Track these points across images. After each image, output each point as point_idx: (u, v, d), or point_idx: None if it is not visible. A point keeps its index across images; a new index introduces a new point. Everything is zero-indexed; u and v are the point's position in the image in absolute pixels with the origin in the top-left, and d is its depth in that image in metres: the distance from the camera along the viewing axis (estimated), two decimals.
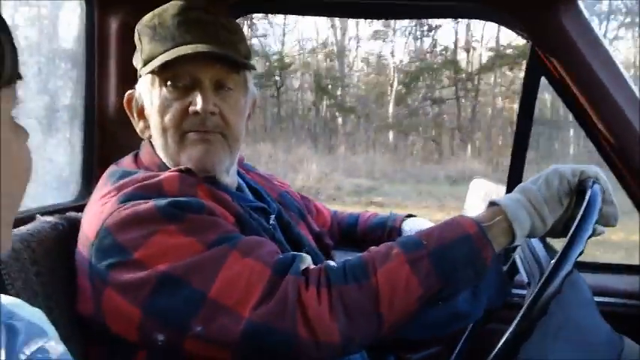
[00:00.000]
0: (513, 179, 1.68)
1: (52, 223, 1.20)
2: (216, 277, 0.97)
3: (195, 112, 1.13)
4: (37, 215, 1.22)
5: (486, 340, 1.06)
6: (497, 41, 20.19)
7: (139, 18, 1.24)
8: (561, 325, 1.04)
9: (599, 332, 1.10)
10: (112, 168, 1.20)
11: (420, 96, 20.75)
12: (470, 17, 1.85)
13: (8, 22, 0.54)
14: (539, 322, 0.94)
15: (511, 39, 18.88)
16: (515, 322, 0.93)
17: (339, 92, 21.95)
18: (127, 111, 1.26)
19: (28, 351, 0.60)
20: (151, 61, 1.16)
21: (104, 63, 1.62)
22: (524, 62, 1.61)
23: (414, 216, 1.62)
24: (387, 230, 1.58)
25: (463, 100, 20.78)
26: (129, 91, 1.26)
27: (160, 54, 1.15)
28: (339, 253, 1.57)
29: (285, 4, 1.81)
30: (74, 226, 1.18)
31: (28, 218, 1.21)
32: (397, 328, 0.99)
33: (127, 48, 1.28)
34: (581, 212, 1.01)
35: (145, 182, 1.08)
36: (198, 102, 1.13)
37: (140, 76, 1.22)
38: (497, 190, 1.76)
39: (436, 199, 13.44)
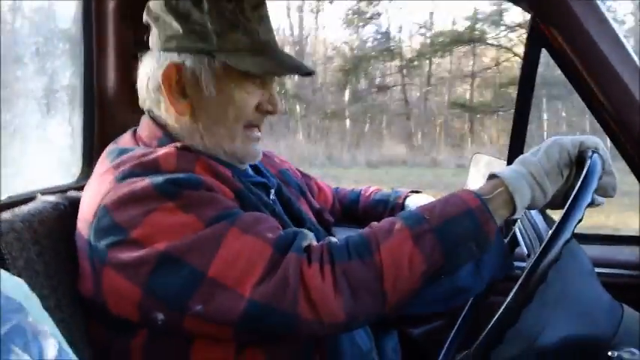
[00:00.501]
0: (514, 152, 1.67)
1: (54, 202, 1.20)
2: (216, 255, 0.96)
3: (271, 112, 1.22)
4: (38, 195, 1.22)
5: (488, 313, 1.06)
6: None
7: None
8: (560, 295, 1.04)
9: (599, 301, 1.10)
10: (110, 146, 1.20)
11: (366, 83, 20.64)
12: None
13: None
14: (538, 292, 0.94)
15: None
16: (514, 290, 0.93)
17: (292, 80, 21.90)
18: (164, 84, 1.16)
19: (2, 330, 0.55)
20: (233, 50, 1.15)
21: (102, 42, 1.61)
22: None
23: (419, 192, 1.62)
24: (389, 207, 1.58)
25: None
26: (170, 62, 1.16)
27: (248, 50, 1.16)
28: (340, 230, 1.58)
29: None
30: (75, 205, 1.17)
31: (28, 198, 1.22)
32: (401, 304, 0.99)
33: (125, 27, 1.28)
34: (579, 181, 1.00)
35: (142, 159, 1.07)
36: (276, 103, 1.22)
37: (194, 52, 1.16)
38: (498, 164, 1.76)
39: (353, 181, 13.60)
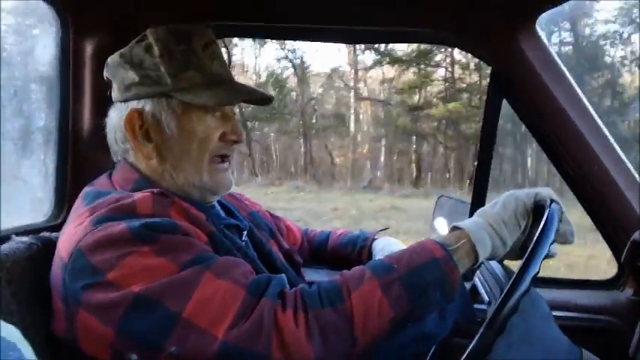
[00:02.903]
0: (477, 199, 1.73)
1: (27, 243, 1.21)
2: (190, 297, 0.97)
3: (236, 141, 1.27)
4: (13, 235, 1.23)
5: (452, 354, 1.09)
6: None
7: (114, 42, 1.27)
8: (523, 336, 1.08)
9: (558, 343, 1.15)
10: (86, 189, 1.22)
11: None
12: (434, 43, 1.92)
13: None
14: (502, 333, 0.98)
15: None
16: (476, 338, 0.97)
17: None
18: (128, 131, 1.22)
19: None
20: (188, 89, 1.20)
21: (79, 86, 1.63)
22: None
23: (386, 228, 1.66)
24: (357, 249, 1.62)
25: None
26: (134, 109, 1.22)
27: (203, 85, 1.21)
28: (309, 271, 1.61)
29: (259, 29, 1.86)
30: (48, 245, 1.19)
31: (3, 238, 1.22)
32: (369, 350, 1.01)
33: (102, 71, 1.30)
34: (540, 228, 1.06)
35: (118, 203, 1.09)
36: (240, 132, 1.27)
37: (153, 97, 1.21)
38: (461, 208, 1.81)
39: None
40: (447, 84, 22.37)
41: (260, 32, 2.00)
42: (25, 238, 1.22)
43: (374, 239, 1.62)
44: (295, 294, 1.03)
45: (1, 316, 1.01)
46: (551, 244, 1.04)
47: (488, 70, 1.70)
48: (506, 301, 0.98)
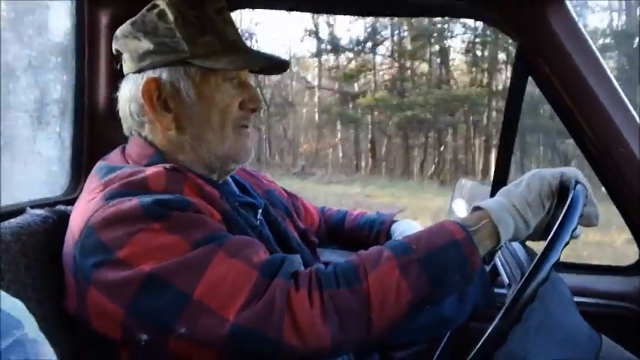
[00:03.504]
0: (499, 180, 1.70)
1: (42, 216, 1.20)
2: (202, 277, 0.96)
3: (255, 109, 1.24)
4: (28, 208, 1.23)
5: (468, 338, 1.08)
6: None
7: (129, 12, 1.24)
8: (543, 322, 1.06)
9: (579, 329, 1.13)
10: (99, 163, 1.20)
11: None
12: (458, 16, 1.87)
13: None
14: (522, 318, 0.96)
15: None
16: (494, 323, 0.95)
17: None
18: (145, 101, 1.18)
19: (4, 343, 0.59)
20: (207, 55, 1.17)
21: (94, 57, 1.62)
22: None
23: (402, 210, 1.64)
24: (374, 231, 1.59)
25: None
26: (148, 79, 1.18)
27: (221, 52, 1.18)
28: (325, 251, 1.59)
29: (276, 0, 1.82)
30: (63, 219, 1.18)
31: (18, 211, 1.22)
32: (386, 333, 0.99)
33: None
34: (563, 212, 1.03)
35: (131, 179, 1.07)
36: (259, 99, 1.25)
37: (170, 65, 1.18)
38: (482, 189, 1.78)
39: None
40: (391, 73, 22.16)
41: (275, 3, 1.96)
42: (40, 211, 1.22)
43: (392, 222, 1.60)
44: (310, 274, 1.01)
45: (14, 289, 1.02)
46: (575, 229, 1.01)
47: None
48: (524, 289, 0.95)
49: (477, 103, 20.32)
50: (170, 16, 1.17)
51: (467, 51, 21.58)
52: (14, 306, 0.65)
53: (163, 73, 1.18)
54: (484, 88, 20.57)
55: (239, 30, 1.27)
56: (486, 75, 21.16)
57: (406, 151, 22.03)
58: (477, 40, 21.16)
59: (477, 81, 21.04)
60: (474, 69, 21.33)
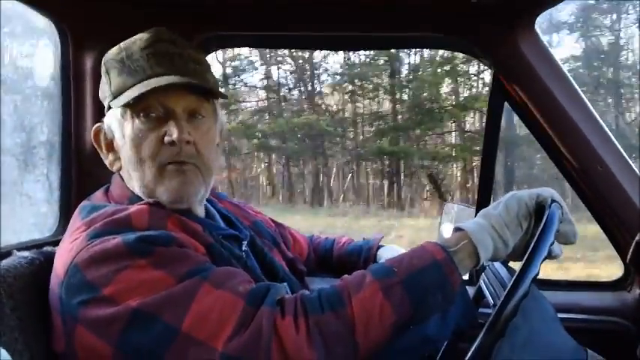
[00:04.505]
0: (482, 202, 1.73)
1: (29, 258, 1.21)
2: (188, 310, 0.97)
3: (172, 142, 1.15)
4: (14, 251, 1.23)
5: (456, 358, 1.09)
6: None
7: None
8: (528, 339, 1.08)
9: (564, 345, 1.14)
10: (83, 203, 1.22)
11: None
12: (434, 47, 1.93)
13: None
14: (507, 335, 0.98)
15: None
16: (479, 338, 0.97)
17: None
18: (95, 144, 1.28)
19: None
20: (121, 93, 1.18)
21: (80, 99, 1.64)
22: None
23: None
24: (362, 257, 1.61)
25: None
26: (96, 125, 1.28)
27: (132, 86, 1.16)
28: (314, 280, 1.60)
29: (257, 38, 1.86)
30: (51, 260, 1.18)
31: (4, 253, 1.22)
32: (372, 354, 1.01)
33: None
34: (540, 228, 1.06)
35: (114, 217, 1.09)
36: (174, 132, 1.15)
37: (109, 109, 1.23)
38: (467, 212, 1.81)
39: None
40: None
41: (259, 41, 2.00)
42: (26, 253, 1.23)
43: (379, 247, 1.62)
44: (295, 300, 1.02)
45: (1, 331, 1.02)
46: (552, 244, 1.04)
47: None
48: (506, 304, 0.97)
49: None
50: (104, 69, 1.24)
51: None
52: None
53: (105, 119, 1.25)
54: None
55: (171, 58, 1.20)
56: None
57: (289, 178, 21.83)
58: None
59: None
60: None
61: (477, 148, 18.02)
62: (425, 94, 18.82)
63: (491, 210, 1.16)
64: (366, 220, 15.27)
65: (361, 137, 20.62)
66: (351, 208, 17.99)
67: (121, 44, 1.23)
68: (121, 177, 1.25)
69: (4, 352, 0.68)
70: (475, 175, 18.61)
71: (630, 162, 1.58)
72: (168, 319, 0.96)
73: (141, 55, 1.19)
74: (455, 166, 19.79)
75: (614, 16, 17.09)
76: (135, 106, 1.17)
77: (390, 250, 1.58)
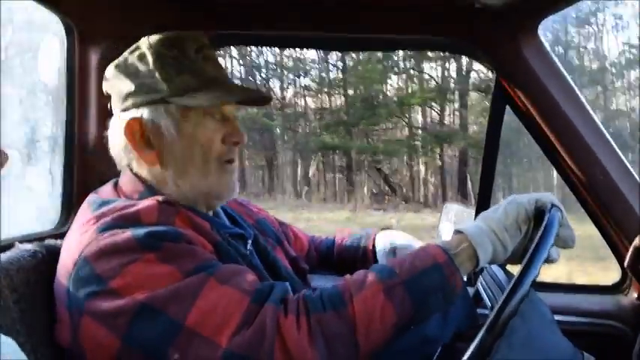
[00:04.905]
0: (481, 205, 1.74)
1: (32, 251, 1.22)
2: (194, 305, 0.98)
3: (237, 143, 1.25)
4: (16, 243, 1.24)
5: (454, 358, 1.10)
6: None
7: (119, 51, 1.28)
8: (525, 341, 1.09)
9: (561, 347, 1.15)
10: (91, 196, 1.22)
11: None
12: (436, 50, 1.93)
13: None
14: (505, 337, 0.99)
15: None
16: (475, 341, 0.97)
17: None
18: (129, 140, 1.22)
19: None
20: (186, 92, 1.19)
21: (84, 94, 1.65)
22: None
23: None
24: (361, 249, 1.62)
25: None
26: (130, 118, 1.22)
27: (198, 88, 1.20)
28: (315, 277, 1.62)
29: (261, 37, 1.87)
30: (53, 253, 1.20)
31: (7, 246, 1.23)
32: (373, 355, 1.02)
33: None
34: (540, 231, 1.07)
35: (124, 212, 1.10)
36: (241, 133, 1.26)
37: (150, 104, 1.21)
38: (467, 213, 1.82)
39: None
40: None
41: (259, 40, 2.01)
42: (29, 246, 1.23)
43: (375, 236, 1.63)
44: (298, 299, 1.04)
45: (3, 323, 1.03)
46: (551, 247, 1.05)
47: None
48: (505, 305, 0.98)
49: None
50: (149, 58, 1.21)
51: None
52: (6, 344, 0.67)
53: (144, 112, 1.21)
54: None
55: (220, 65, 1.30)
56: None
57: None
58: None
59: None
60: None
61: (418, 142, 18.38)
62: (363, 91, 19.18)
63: (491, 214, 1.18)
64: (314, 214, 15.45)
65: (307, 131, 20.75)
66: (297, 201, 18.08)
67: (161, 37, 1.24)
68: (132, 172, 1.25)
69: (10, 340, 0.68)
70: (420, 170, 18.98)
71: (630, 168, 1.59)
72: (173, 314, 0.98)
73: (195, 56, 1.23)
74: (400, 160, 19.77)
75: None
76: (206, 108, 1.22)
77: (386, 235, 1.60)
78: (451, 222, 1.90)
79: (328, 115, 20.22)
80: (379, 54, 17.69)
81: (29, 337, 1.09)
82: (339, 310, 1.01)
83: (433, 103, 19.57)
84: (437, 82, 19.71)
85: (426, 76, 19.68)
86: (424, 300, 1.04)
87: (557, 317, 1.22)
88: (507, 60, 1.62)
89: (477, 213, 1.68)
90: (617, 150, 1.61)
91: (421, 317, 1.03)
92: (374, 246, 1.60)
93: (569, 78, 1.64)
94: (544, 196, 1.17)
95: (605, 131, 1.62)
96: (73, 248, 1.08)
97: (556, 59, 1.64)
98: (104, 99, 1.32)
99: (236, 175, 1.29)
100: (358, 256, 1.61)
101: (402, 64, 19.16)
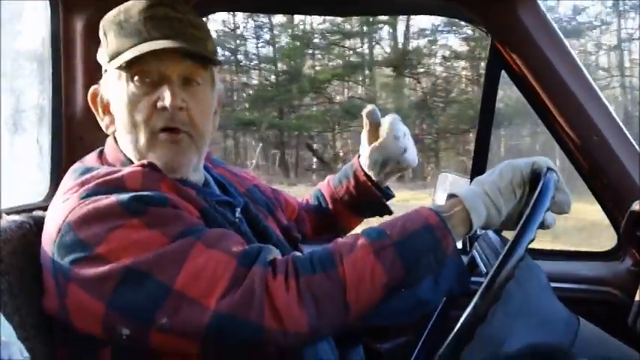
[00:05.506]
0: (476, 171, 1.72)
1: (19, 222, 1.20)
2: (181, 268, 0.97)
3: (164, 108, 1.13)
4: (3, 214, 1.22)
5: (451, 326, 1.09)
6: None
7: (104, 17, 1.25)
8: (521, 306, 1.08)
9: (557, 313, 1.15)
10: (75, 165, 1.21)
11: None
12: (433, 14, 1.89)
13: None
14: (501, 302, 0.98)
15: None
16: (471, 305, 0.97)
17: None
18: (92, 106, 1.26)
19: None
20: (117, 56, 1.16)
21: (70, 63, 1.62)
22: None
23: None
24: (351, 177, 1.57)
25: None
26: (93, 87, 1.26)
27: (128, 49, 1.15)
28: (308, 247, 1.60)
29: (250, 2, 1.83)
30: (41, 225, 1.17)
31: None
32: (363, 316, 1.02)
33: (93, 47, 1.29)
34: (536, 195, 1.05)
35: (107, 177, 1.08)
36: (166, 97, 1.13)
37: (105, 72, 1.22)
38: (462, 182, 1.81)
39: None
40: None
41: (251, 5, 1.97)
42: (16, 217, 1.21)
43: (358, 158, 1.58)
44: (287, 261, 1.03)
45: None
46: (546, 211, 1.04)
47: None
48: (501, 267, 0.97)
49: None
50: (101, 32, 1.21)
51: None
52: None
53: (102, 81, 1.24)
54: None
55: (169, 24, 1.18)
56: None
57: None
58: None
59: None
60: None
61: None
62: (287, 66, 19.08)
63: (486, 177, 1.16)
64: None
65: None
66: None
67: (121, 7, 1.20)
68: (115, 140, 1.24)
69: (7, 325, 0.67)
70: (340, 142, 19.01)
71: (627, 133, 1.58)
72: (160, 277, 0.97)
73: (139, 18, 1.17)
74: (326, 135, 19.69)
75: None
76: (130, 70, 1.15)
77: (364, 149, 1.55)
78: (446, 191, 1.88)
79: (249, 90, 20.01)
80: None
81: (16, 309, 1.08)
82: (328, 272, 1.01)
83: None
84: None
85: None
86: (415, 261, 1.03)
87: (553, 284, 1.21)
88: (503, 23, 1.60)
89: (472, 178, 1.67)
90: (615, 115, 1.59)
91: (412, 279, 1.02)
92: (361, 166, 1.56)
93: (566, 42, 1.61)
94: (540, 160, 1.15)
95: (601, 95, 1.60)
96: (56, 215, 1.07)
97: (553, 23, 1.61)
98: (90, 67, 1.30)
99: (177, 147, 1.17)
100: (350, 184, 1.57)
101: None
